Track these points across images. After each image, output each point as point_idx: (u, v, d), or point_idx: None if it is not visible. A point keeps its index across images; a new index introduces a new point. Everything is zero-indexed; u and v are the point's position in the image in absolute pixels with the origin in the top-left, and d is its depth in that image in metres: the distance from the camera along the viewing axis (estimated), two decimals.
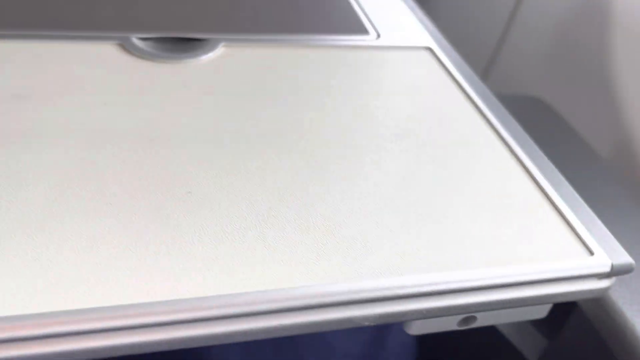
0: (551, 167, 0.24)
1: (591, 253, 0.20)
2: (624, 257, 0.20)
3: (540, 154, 0.25)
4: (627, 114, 0.47)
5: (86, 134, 0.21)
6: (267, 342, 0.30)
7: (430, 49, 0.31)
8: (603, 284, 0.21)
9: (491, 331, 0.31)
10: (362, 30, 0.31)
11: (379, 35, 0.31)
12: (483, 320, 0.21)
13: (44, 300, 0.15)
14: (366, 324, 0.18)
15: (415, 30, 0.32)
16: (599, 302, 0.27)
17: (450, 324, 0.20)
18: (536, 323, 0.31)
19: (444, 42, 0.32)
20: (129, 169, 0.20)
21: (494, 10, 0.60)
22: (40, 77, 0.23)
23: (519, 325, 0.30)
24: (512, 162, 0.24)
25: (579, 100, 0.51)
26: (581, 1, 0.51)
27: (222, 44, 0.27)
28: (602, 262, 0.20)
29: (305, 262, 0.18)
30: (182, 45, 0.27)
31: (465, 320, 0.21)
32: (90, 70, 0.24)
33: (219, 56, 0.27)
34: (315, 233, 0.19)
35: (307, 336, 0.30)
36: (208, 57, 0.26)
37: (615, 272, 0.20)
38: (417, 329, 0.20)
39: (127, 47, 0.26)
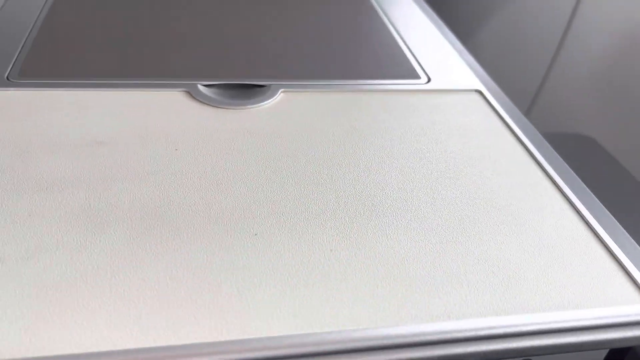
0: (604, 210, 0.24)
1: None
2: None
3: (592, 197, 0.25)
4: None
5: (160, 177, 0.23)
6: None
7: (479, 92, 0.32)
8: None
9: None
10: (414, 74, 0.32)
11: (429, 79, 0.32)
12: None
13: (129, 338, 0.17)
14: None
15: (465, 74, 0.33)
16: None
17: None
18: None
19: (493, 84, 0.33)
20: (200, 212, 0.21)
21: (539, 47, 0.61)
22: (117, 123, 0.25)
23: None
24: (565, 205, 0.24)
25: (628, 138, 0.50)
26: (628, 39, 0.51)
27: (282, 90, 0.29)
28: None
29: (367, 304, 0.18)
30: (244, 91, 0.29)
31: None
32: (161, 117, 0.26)
33: (279, 102, 0.28)
34: (375, 275, 0.20)
35: None
36: (269, 103, 0.28)
37: None
38: None
39: (194, 94, 0.28)
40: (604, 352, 0.22)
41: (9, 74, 0.28)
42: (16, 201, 0.21)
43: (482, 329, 0.18)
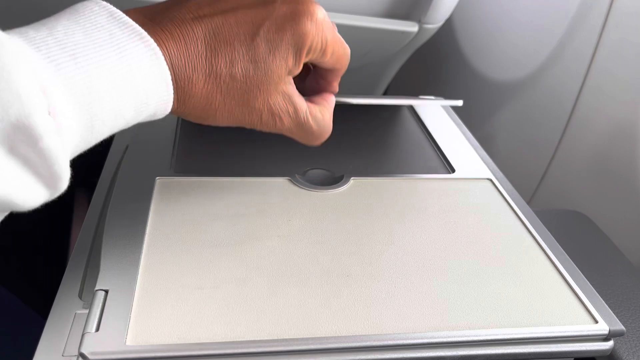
0: (575, 269, 0.36)
1: (596, 321, 0.32)
2: (618, 325, 0.32)
3: (570, 262, 0.36)
4: None
5: (279, 241, 0.35)
6: None
7: (490, 180, 0.44)
8: (604, 345, 0.32)
9: None
10: (442, 167, 0.45)
11: (454, 170, 0.45)
12: None
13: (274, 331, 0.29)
14: None
15: (479, 166, 0.46)
16: None
17: None
18: None
19: (500, 174, 0.45)
20: (311, 260, 0.34)
21: (544, 135, 0.73)
22: (249, 201, 0.38)
23: None
24: (542, 255, 0.36)
25: (616, 213, 0.62)
26: (621, 131, 0.64)
27: (352, 178, 0.42)
28: (602, 327, 0.32)
29: (408, 316, 0.31)
30: (328, 179, 0.42)
31: None
32: (277, 196, 0.39)
33: (350, 187, 0.41)
34: (412, 295, 0.32)
35: None
36: (344, 188, 0.41)
37: (612, 335, 0.32)
38: None
39: (294, 181, 0.41)
40: None
41: (172, 166, 0.42)
42: (199, 250, 0.34)
43: (481, 335, 0.30)
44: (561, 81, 0.71)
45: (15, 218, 0.26)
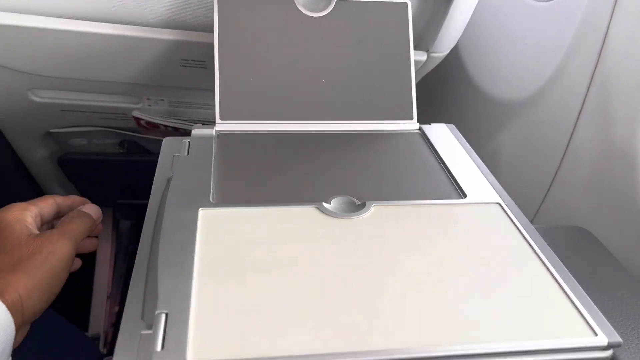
0: (577, 285, 0.40)
1: (595, 334, 0.36)
2: (615, 338, 0.36)
3: (572, 279, 0.40)
4: None
5: (312, 265, 0.40)
6: None
7: (499, 204, 0.49)
8: (603, 354, 0.36)
9: None
10: (456, 193, 0.50)
11: (466, 195, 0.49)
12: None
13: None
14: None
15: (488, 190, 0.50)
16: None
17: None
18: None
19: (508, 197, 0.50)
20: (336, 282, 0.38)
21: (547, 154, 0.77)
22: (283, 228, 0.43)
23: None
24: (553, 284, 0.40)
25: (617, 229, 0.66)
26: (617, 149, 0.68)
27: (373, 204, 0.46)
28: (601, 339, 0.36)
29: (422, 329, 0.35)
30: (351, 206, 0.46)
31: None
32: (307, 222, 0.44)
33: (372, 214, 0.46)
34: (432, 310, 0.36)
35: None
36: (366, 214, 0.45)
37: (610, 346, 0.36)
38: None
39: (321, 209, 0.46)
40: None
41: (211, 198, 0.46)
42: (243, 275, 0.38)
43: (492, 348, 0.35)
44: (562, 101, 0.75)
45: None
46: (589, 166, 0.72)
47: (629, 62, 0.65)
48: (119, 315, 1.08)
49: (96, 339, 1.03)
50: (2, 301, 0.36)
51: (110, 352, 0.98)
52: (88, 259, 1.03)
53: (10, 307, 0.37)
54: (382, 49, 0.58)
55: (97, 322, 1.04)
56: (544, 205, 0.78)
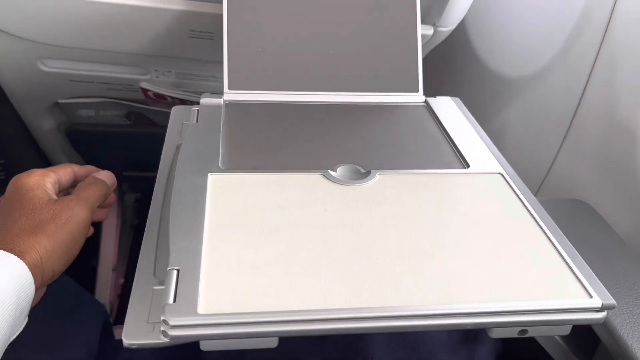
0: (574, 250, 0.41)
1: (590, 296, 0.38)
2: (609, 300, 0.37)
3: (569, 245, 0.42)
4: None
5: (317, 229, 0.41)
6: None
7: (501, 174, 0.50)
8: (598, 315, 0.38)
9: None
10: (459, 163, 0.50)
11: (469, 166, 0.50)
12: (531, 332, 0.38)
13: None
14: (468, 327, 0.36)
15: (491, 161, 0.51)
16: (618, 344, 0.43)
17: (513, 333, 0.38)
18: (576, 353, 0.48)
19: (510, 168, 0.51)
20: (345, 241, 0.40)
21: (552, 129, 0.78)
22: (289, 194, 0.44)
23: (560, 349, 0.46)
24: (551, 249, 0.41)
25: (616, 203, 0.67)
26: (620, 125, 0.68)
27: (378, 173, 0.47)
28: (596, 301, 0.37)
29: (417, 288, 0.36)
30: (356, 174, 0.47)
31: (522, 332, 0.38)
32: (313, 189, 0.45)
33: (376, 181, 0.47)
34: (425, 272, 0.37)
35: None
36: (370, 182, 0.46)
37: (604, 308, 0.37)
38: (495, 334, 0.38)
39: (327, 177, 0.47)
40: (569, 329, 0.39)
41: (220, 164, 0.47)
42: (251, 235, 0.39)
43: (492, 307, 0.36)
44: (567, 77, 0.75)
45: None
46: (593, 142, 0.72)
47: (635, 39, 0.65)
48: (124, 287, 1.10)
49: None
50: (24, 261, 0.38)
51: (117, 322, 1.00)
52: (94, 232, 1.05)
53: (31, 267, 0.38)
54: (389, 22, 0.59)
55: (103, 294, 1.06)
56: (547, 180, 0.79)
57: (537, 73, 0.80)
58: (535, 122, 0.82)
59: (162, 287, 0.36)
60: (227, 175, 0.45)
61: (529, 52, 0.82)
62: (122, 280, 1.13)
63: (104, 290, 1.08)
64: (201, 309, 0.34)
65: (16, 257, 0.37)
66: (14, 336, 0.38)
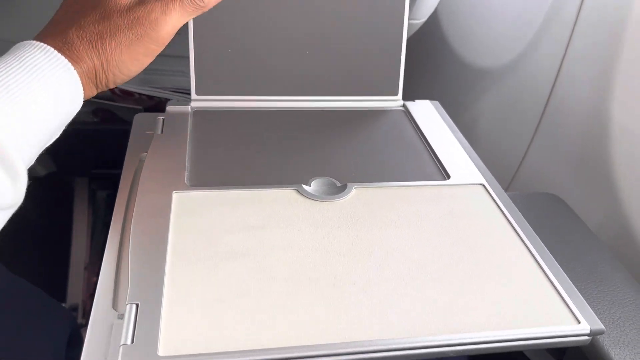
0: (563, 274, 0.39)
1: (578, 322, 0.36)
2: (598, 325, 0.36)
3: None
4: (626, 207, 0.62)
5: (291, 252, 0.38)
6: None
7: (482, 185, 0.47)
8: (585, 338, 0.36)
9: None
10: (439, 174, 0.48)
11: (449, 177, 0.48)
12: None
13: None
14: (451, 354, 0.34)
15: (472, 170, 0.49)
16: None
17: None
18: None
19: (492, 178, 0.48)
20: (317, 275, 0.37)
21: (523, 121, 0.77)
22: (258, 211, 0.41)
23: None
24: (539, 272, 0.39)
25: (587, 195, 0.66)
26: (591, 117, 0.67)
27: (355, 186, 0.45)
28: (584, 327, 0.35)
29: (403, 317, 0.34)
30: (332, 189, 0.45)
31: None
32: (286, 206, 0.42)
33: (353, 196, 0.44)
34: (409, 297, 0.35)
35: None
36: (346, 197, 0.44)
37: (592, 334, 0.35)
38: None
39: (301, 192, 0.44)
40: None
41: (186, 180, 0.44)
42: (218, 264, 0.37)
43: (479, 337, 0.34)
44: (539, 68, 0.74)
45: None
46: (563, 135, 0.71)
47: (601, 32, 0.64)
48: (97, 285, 1.07)
49: (74, 309, 1.02)
50: (77, 69, 0.37)
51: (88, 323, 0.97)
52: (64, 231, 1.01)
53: (82, 75, 0.38)
54: (371, 20, 0.55)
55: (76, 293, 1.03)
56: (518, 173, 0.78)
57: (509, 64, 0.79)
58: (507, 113, 0.81)
59: (122, 321, 0.33)
60: (193, 193, 0.42)
61: (500, 44, 0.80)
62: (95, 279, 1.09)
63: (76, 289, 1.05)
64: (162, 350, 0.31)
65: (69, 63, 0.37)
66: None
